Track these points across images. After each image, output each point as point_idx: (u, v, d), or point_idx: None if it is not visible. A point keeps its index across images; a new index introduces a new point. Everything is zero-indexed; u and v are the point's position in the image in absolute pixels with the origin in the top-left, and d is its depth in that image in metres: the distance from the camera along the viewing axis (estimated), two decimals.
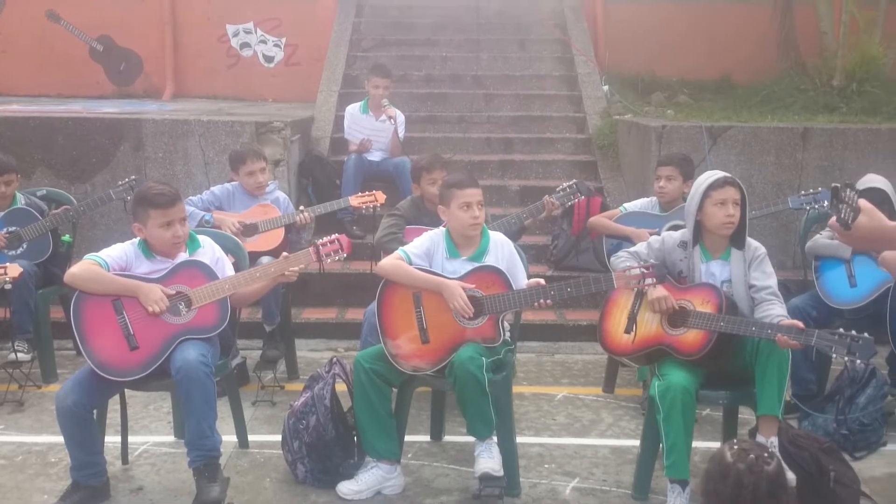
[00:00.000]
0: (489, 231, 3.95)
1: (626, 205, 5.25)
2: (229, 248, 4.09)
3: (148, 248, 3.70)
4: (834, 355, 3.16)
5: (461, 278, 3.70)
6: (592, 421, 4.58)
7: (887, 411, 4.18)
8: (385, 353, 3.69)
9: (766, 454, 2.00)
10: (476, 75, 8.80)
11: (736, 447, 2.07)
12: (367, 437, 3.71)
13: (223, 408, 4.08)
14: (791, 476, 3.30)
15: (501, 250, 3.88)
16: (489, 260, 3.82)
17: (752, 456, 2.03)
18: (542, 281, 3.70)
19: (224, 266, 3.83)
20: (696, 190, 3.72)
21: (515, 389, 4.91)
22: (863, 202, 2.12)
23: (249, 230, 4.94)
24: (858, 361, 3.12)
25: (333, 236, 3.93)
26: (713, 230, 3.70)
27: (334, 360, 4.04)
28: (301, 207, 5.12)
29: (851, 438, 4.13)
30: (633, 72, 9.07)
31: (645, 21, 9.17)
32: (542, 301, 3.63)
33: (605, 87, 8.58)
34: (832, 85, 7.76)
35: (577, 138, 8.06)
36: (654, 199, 5.10)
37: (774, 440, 3.42)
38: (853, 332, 3.14)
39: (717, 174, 3.71)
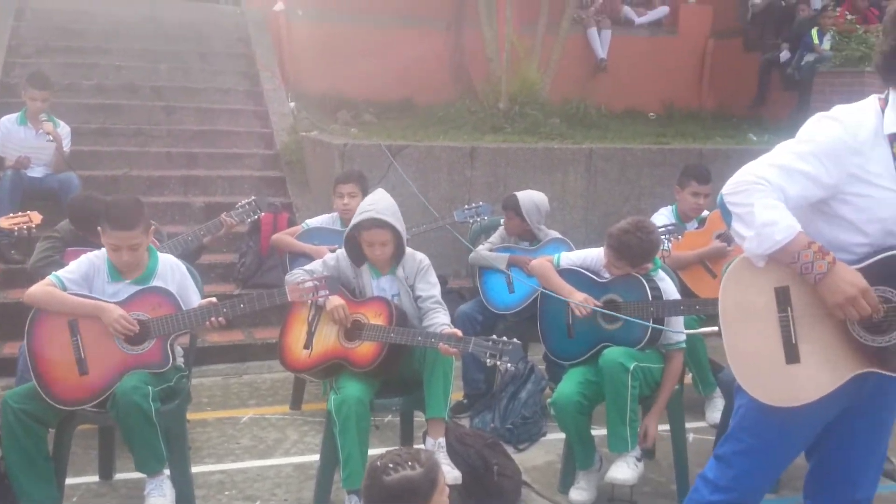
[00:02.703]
0: (158, 253, 3.75)
1: (307, 221, 5.28)
2: None
3: None
4: (487, 361, 3.41)
5: (124, 300, 3.47)
6: (277, 440, 4.53)
7: (544, 404, 4.60)
8: (38, 391, 3.34)
9: (391, 465, 2.12)
10: (155, 86, 8.38)
11: (383, 457, 2.17)
12: (21, 485, 3.33)
13: None
14: (456, 474, 3.52)
15: (172, 274, 3.70)
16: (157, 283, 3.62)
17: (376, 463, 2.14)
18: (213, 300, 3.59)
19: None
20: (352, 223, 3.81)
21: (199, 416, 4.75)
22: None
23: None
24: (509, 365, 3.40)
25: None
26: (370, 260, 3.85)
27: None
28: None
29: (516, 432, 4.50)
30: (320, 90, 9.19)
31: (329, 40, 9.32)
32: (214, 319, 3.52)
33: (292, 104, 8.60)
34: (498, 107, 8.43)
35: (264, 154, 7.98)
36: (336, 214, 5.18)
37: (442, 440, 3.61)
38: (504, 339, 3.41)
39: (365, 213, 3.74)
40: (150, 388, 3.30)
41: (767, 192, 2.31)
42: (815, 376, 2.40)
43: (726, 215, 2.41)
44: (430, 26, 9.75)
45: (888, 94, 2.37)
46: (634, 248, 3.73)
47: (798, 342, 2.40)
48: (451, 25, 9.69)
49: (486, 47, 8.84)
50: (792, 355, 2.41)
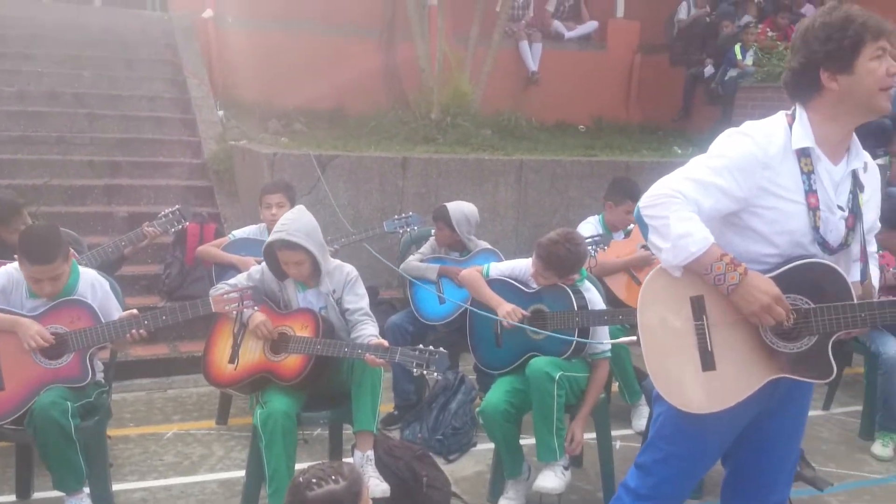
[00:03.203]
0: (79, 268, 3.65)
1: (234, 232, 5.22)
2: None
3: None
4: (415, 370, 3.42)
5: (41, 313, 3.38)
6: (203, 456, 4.44)
7: (474, 414, 4.61)
8: None
9: (314, 480, 2.10)
10: (77, 93, 8.15)
11: (306, 472, 2.15)
12: None
13: None
14: (385, 487, 3.51)
15: (93, 291, 3.61)
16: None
17: (299, 479, 2.12)
18: (135, 311, 3.51)
19: None
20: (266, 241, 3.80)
21: (121, 432, 4.63)
22: None
23: None
24: (436, 374, 3.41)
25: None
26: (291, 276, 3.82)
27: None
28: None
29: (446, 442, 4.50)
30: (250, 98, 9.07)
31: (260, 48, 9.21)
32: (135, 332, 3.44)
33: (221, 113, 8.47)
34: (431, 118, 8.43)
35: (192, 163, 7.83)
36: (264, 225, 5.11)
37: (371, 453, 3.60)
38: (431, 348, 3.42)
39: (276, 234, 3.70)
40: (68, 403, 3.21)
41: (682, 204, 2.37)
42: (730, 383, 2.47)
43: (643, 227, 2.46)
44: (363, 35, 9.73)
45: (795, 110, 2.47)
46: (563, 259, 3.78)
47: (713, 350, 2.47)
48: (384, 35, 9.68)
49: (418, 58, 8.86)
50: (708, 363, 2.47)
